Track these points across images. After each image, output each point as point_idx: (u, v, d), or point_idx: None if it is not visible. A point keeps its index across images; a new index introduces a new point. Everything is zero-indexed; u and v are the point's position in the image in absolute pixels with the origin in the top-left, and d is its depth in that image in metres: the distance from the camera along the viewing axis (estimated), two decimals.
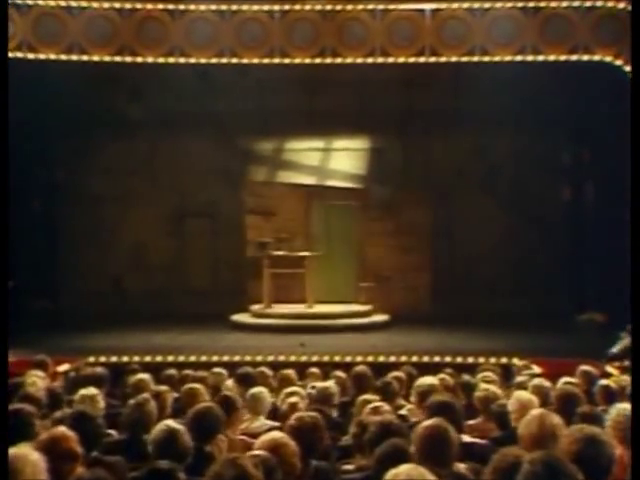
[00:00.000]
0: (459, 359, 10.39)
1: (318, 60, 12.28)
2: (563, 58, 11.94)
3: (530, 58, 11.96)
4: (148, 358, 10.48)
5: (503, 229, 15.61)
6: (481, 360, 9.97)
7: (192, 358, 10.55)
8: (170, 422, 4.42)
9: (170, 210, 16.07)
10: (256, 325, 13.39)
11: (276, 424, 5.82)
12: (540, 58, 11.97)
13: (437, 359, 10.42)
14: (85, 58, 12.05)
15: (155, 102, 15.19)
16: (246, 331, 13.12)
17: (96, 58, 12.09)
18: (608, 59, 11.70)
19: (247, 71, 13.32)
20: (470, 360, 10.21)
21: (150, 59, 12.19)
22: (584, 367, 7.49)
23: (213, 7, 12.10)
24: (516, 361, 9.94)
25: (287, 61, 12.28)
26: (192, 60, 12.27)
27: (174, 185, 16.04)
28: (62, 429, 4.13)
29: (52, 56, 11.93)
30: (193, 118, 15.35)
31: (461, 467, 4.08)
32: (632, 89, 7.17)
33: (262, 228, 14.76)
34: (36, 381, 6.80)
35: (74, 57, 11.99)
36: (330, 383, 6.99)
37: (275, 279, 13.84)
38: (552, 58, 11.95)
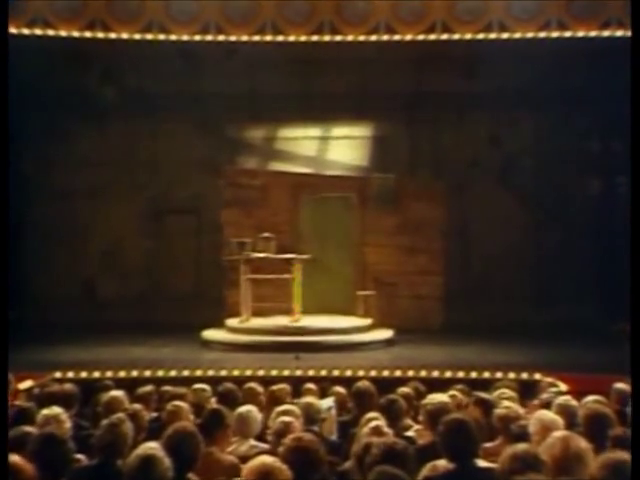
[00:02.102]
0: (473, 374, 10.37)
1: (315, 38, 12.27)
2: (593, 34, 11.93)
3: (555, 34, 11.96)
4: (122, 373, 10.44)
5: (523, 227, 15.62)
6: (498, 375, 9.96)
7: (172, 373, 10.53)
8: (149, 446, 4.40)
9: (148, 206, 16.06)
10: (230, 343, 12.66)
11: (266, 446, 5.81)
12: (567, 34, 11.97)
13: (448, 374, 10.40)
14: (51, 33, 12.03)
15: (131, 84, 15.19)
16: (219, 350, 12.48)
17: (63, 33, 12.07)
18: None
19: (235, 50, 13.30)
20: (486, 375, 10.20)
21: (125, 35, 12.18)
22: (619, 385, 7.46)
23: None
24: (538, 377, 9.93)
25: (280, 39, 12.27)
26: (173, 37, 12.26)
27: (153, 178, 16.03)
28: (16, 457, 4.08)
29: (13, 30, 11.85)
30: (174, 102, 15.34)
31: None
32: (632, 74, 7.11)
33: (241, 225, 14.46)
34: None
35: (38, 32, 11.96)
36: (312, 398, 7.01)
37: (255, 287, 13.21)
38: (581, 34, 11.95)
